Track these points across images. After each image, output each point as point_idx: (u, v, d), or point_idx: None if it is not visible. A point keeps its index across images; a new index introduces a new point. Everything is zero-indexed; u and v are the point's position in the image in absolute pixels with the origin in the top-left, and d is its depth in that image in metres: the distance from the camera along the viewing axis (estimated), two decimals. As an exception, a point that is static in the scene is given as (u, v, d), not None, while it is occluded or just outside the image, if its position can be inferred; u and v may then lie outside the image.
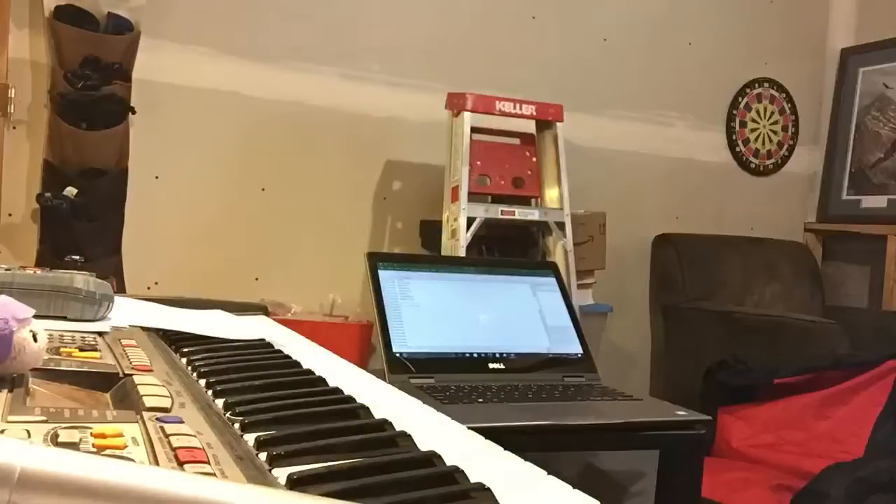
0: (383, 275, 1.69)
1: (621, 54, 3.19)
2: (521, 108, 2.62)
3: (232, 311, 1.23)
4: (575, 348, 1.80)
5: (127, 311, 1.07)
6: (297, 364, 0.86)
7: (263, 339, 1.01)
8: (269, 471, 0.51)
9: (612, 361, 3.10)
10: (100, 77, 2.32)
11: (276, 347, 0.97)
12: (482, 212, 2.53)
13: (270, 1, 2.64)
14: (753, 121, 3.51)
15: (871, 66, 3.52)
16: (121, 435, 0.51)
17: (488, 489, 0.49)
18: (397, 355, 1.60)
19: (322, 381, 0.77)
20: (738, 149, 3.49)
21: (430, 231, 2.70)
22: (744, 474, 2.22)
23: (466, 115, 2.54)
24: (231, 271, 2.57)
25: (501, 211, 2.57)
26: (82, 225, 2.32)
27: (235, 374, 0.77)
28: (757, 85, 3.52)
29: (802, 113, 3.64)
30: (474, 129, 2.57)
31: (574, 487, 0.53)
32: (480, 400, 1.48)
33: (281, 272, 2.67)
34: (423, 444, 0.58)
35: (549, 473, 0.55)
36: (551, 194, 2.67)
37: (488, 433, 0.65)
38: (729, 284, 3.21)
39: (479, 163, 2.57)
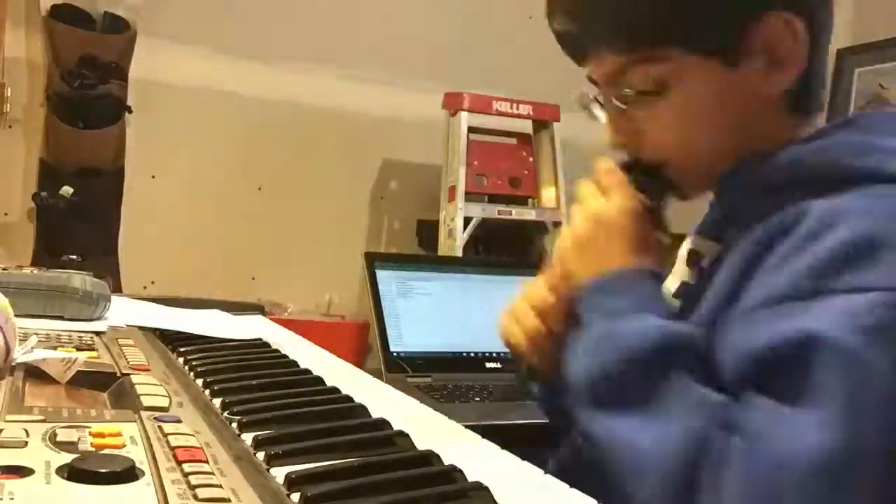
0: (381, 275, 1.69)
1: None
2: (518, 108, 2.62)
3: (229, 310, 1.23)
4: (571, 347, 1.80)
5: (124, 311, 1.07)
6: (295, 363, 0.86)
7: (260, 339, 1.01)
8: (267, 470, 0.51)
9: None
10: (96, 76, 2.32)
11: (274, 347, 0.97)
12: (479, 211, 2.53)
13: (267, 1, 2.64)
14: (750, 121, 3.51)
15: (867, 66, 3.52)
16: (119, 434, 0.51)
17: (486, 488, 0.49)
18: (394, 355, 1.60)
19: (319, 380, 0.78)
20: (734, 149, 3.48)
21: (427, 231, 2.70)
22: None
23: (463, 114, 2.54)
24: (228, 271, 2.57)
25: (498, 211, 2.57)
26: (78, 224, 2.32)
27: (233, 373, 0.77)
28: (753, 85, 3.52)
29: (798, 113, 3.64)
30: (471, 129, 2.57)
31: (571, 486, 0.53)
32: (477, 399, 1.49)
33: (277, 272, 2.66)
34: (421, 443, 0.58)
35: (546, 472, 0.56)
36: (548, 194, 2.67)
37: (486, 432, 0.65)
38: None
39: (476, 162, 2.57)
